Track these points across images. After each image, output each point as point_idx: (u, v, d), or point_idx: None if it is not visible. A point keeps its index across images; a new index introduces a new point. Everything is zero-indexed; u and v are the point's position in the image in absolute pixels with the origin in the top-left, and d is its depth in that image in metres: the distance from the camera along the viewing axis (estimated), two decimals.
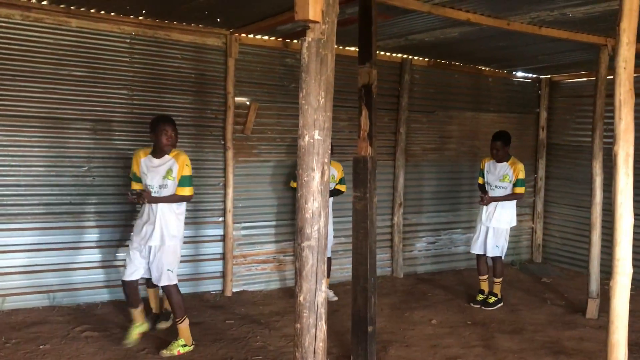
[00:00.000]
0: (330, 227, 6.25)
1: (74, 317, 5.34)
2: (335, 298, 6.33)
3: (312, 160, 2.32)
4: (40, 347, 4.60)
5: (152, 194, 4.53)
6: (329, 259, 6.30)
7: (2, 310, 5.30)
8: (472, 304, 6.30)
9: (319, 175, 2.33)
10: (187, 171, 4.58)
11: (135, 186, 4.65)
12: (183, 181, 4.58)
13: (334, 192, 6.16)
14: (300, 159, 2.35)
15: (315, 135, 2.32)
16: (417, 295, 6.69)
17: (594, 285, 6.08)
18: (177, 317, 4.69)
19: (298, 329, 2.38)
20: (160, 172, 4.55)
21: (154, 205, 4.55)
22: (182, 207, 4.72)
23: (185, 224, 6.08)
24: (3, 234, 5.33)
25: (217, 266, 6.37)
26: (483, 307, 6.21)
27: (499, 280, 6.33)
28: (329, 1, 2.28)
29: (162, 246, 4.58)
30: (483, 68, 8.10)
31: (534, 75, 8.61)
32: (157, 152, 4.58)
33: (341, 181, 6.26)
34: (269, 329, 5.33)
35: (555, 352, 5.00)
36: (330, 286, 6.86)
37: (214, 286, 6.37)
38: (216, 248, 6.35)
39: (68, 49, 5.44)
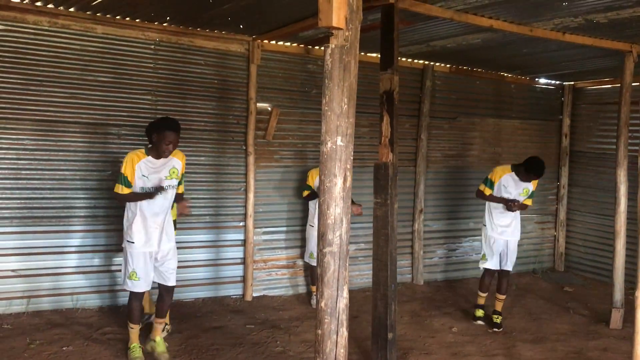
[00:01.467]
0: None
1: (96, 319, 5.41)
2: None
3: (334, 167, 2.32)
4: (63, 348, 4.67)
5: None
6: None
7: (26, 311, 5.39)
8: (478, 322, 5.94)
9: (341, 181, 2.33)
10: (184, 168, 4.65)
11: (125, 190, 4.32)
12: (182, 179, 4.61)
13: None
14: (323, 165, 2.35)
15: (338, 141, 2.32)
16: (438, 303, 6.65)
17: (618, 295, 5.99)
18: (165, 316, 4.71)
19: (319, 335, 2.38)
20: (163, 172, 4.40)
21: (159, 207, 4.41)
22: None
23: (207, 228, 6.23)
24: (28, 237, 5.42)
25: (237, 271, 6.40)
26: (496, 330, 5.76)
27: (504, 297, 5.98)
28: (353, 8, 2.29)
29: (171, 247, 4.53)
30: (505, 74, 8.04)
31: (557, 82, 8.53)
32: (156, 154, 4.39)
33: None
34: (289, 334, 5.34)
35: None
36: (349, 292, 6.85)
37: (234, 290, 6.40)
38: (237, 252, 6.39)
39: (94, 55, 5.53)
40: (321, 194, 2.40)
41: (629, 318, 5.98)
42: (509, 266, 5.87)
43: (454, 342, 5.37)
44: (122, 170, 4.31)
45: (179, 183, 4.55)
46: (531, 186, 5.83)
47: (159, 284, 4.57)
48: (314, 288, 6.27)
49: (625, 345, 5.23)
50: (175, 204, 4.67)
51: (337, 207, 2.34)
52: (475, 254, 7.98)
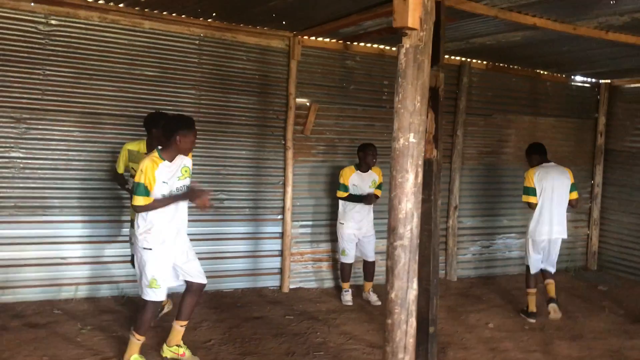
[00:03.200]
0: (371, 230, 6.26)
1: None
2: (379, 303, 6.16)
3: (406, 162, 2.39)
4: (113, 334, 4.82)
5: None
6: (373, 263, 6.33)
7: (74, 297, 5.57)
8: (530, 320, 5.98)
9: (413, 176, 2.40)
10: None
11: (147, 200, 4.01)
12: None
13: (375, 197, 6.19)
14: (395, 161, 2.43)
15: (410, 138, 2.39)
16: (472, 299, 6.69)
17: None
18: (189, 318, 4.46)
19: (389, 324, 2.46)
20: (177, 174, 4.14)
21: (180, 210, 4.21)
22: None
23: (246, 220, 6.35)
24: (77, 226, 5.60)
25: (275, 263, 6.51)
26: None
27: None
28: (427, 9, 2.36)
29: (188, 246, 4.32)
30: (541, 72, 8.02)
31: (593, 80, 8.46)
32: (172, 156, 4.11)
33: (379, 186, 6.25)
34: (328, 325, 5.44)
35: None
36: (379, 286, 6.91)
37: (271, 282, 6.52)
38: (275, 245, 6.50)
39: (141, 49, 5.68)
40: (392, 189, 2.47)
41: None
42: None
43: (490, 337, 5.41)
44: (140, 180, 3.97)
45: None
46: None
47: (189, 283, 4.37)
48: (345, 285, 6.31)
49: None
50: None
51: (408, 202, 2.41)
52: (509, 251, 8.01)
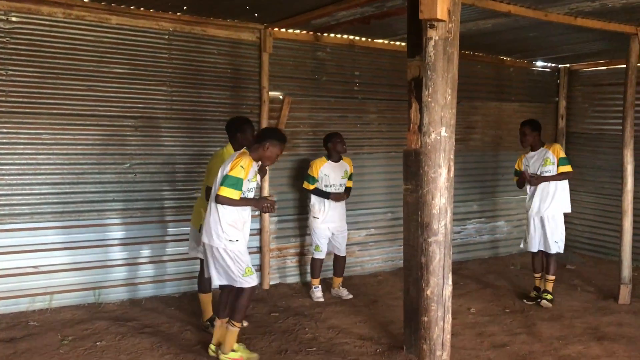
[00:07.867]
0: (344, 224, 6.20)
1: (120, 313, 5.38)
2: (350, 296, 6.17)
3: (439, 157, 2.36)
4: (97, 343, 4.64)
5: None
6: (344, 258, 6.26)
7: (49, 307, 5.33)
8: (525, 301, 6.12)
9: (446, 171, 2.36)
10: None
11: (237, 196, 4.15)
12: None
13: (347, 190, 6.18)
14: (426, 156, 2.38)
15: (442, 132, 2.35)
16: None
17: (626, 271, 6.17)
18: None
19: (425, 322, 2.43)
20: (252, 175, 4.35)
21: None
22: None
23: None
24: (47, 232, 5.36)
25: (254, 260, 6.38)
26: (542, 306, 5.96)
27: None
28: (455, 0, 2.31)
29: None
30: (504, 58, 8.15)
31: (553, 65, 8.67)
32: (256, 158, 4.33)
33: (350, 177, 6.21)
34: (315, 320, 5.39)
35: (598, 337, 5.08)
36: (361, 277, 6.94)
37: None
38: (253, 242, 6.37)
39: (109, 46, 5.45)
40: (425, 185, 2.43)
41: (635, 293, 6.21)
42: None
43: (475, 322, 5.48)
44: (239, 174, 4.10)
45: None
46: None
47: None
48: (315, 281, 6.15)
49: (638, 320, 5.45)
50: None
51: (442, 197, 2.38)
52: (479, 236, 8.15)
